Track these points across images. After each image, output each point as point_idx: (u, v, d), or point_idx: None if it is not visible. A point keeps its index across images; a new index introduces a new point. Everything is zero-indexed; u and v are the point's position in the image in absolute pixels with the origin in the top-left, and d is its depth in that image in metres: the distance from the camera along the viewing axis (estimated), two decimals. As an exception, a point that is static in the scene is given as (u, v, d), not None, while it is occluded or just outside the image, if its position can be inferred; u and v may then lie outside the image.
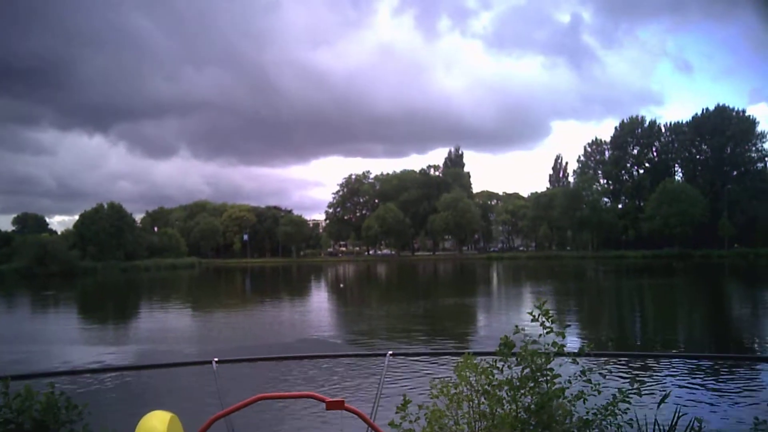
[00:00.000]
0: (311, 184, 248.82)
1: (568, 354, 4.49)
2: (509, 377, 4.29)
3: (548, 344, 4.34)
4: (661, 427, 4.53)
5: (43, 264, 75.64)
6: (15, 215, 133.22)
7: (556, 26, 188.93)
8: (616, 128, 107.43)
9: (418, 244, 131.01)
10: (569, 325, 4.12)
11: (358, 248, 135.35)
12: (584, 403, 4.27)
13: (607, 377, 4.47)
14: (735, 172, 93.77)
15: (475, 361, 4.37)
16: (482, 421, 4.26)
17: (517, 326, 4.46)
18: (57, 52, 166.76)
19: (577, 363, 4.48)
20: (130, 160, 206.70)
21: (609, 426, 4.21)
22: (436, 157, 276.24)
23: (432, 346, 17.22)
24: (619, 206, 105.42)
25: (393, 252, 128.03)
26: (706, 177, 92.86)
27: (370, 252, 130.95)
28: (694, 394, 10.86)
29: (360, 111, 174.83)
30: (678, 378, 12.30)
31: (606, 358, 13.66)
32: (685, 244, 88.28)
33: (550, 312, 4.43)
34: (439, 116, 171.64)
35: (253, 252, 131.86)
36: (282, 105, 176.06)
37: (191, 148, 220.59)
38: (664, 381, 12.02)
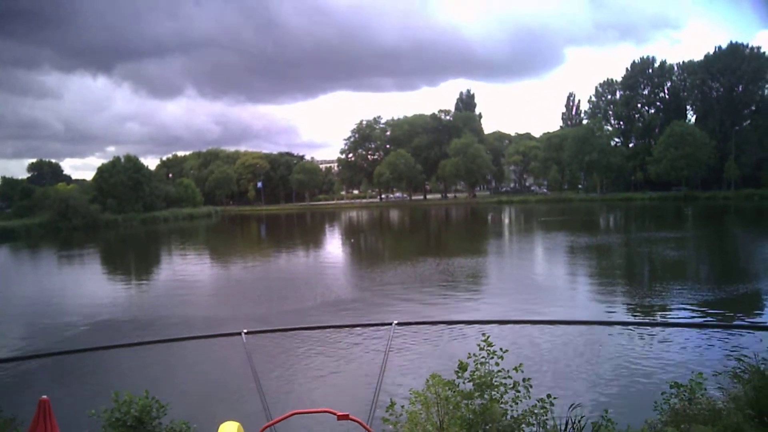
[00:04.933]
0: (320, 121, 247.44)
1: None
2: (464, 390, 6.19)
3: (492, 366, 6.27)
4: (573, 421, 6.39)
5: (65, 218, 78.50)
6: (29, 162, 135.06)
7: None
8: (627, 69, 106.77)
9: (430, 187, 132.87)
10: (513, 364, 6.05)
11: (370, 190, 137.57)
12: (516, 404, 6.21)
13: (531, 388, 6.33)
14: (746, 111, 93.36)
15: (441, 377, 6.24)
16: (445, 418, 6.18)
17: (470, 353, 6.36)
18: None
19: (511, 378, 6.37)
20: (136, 101, 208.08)
21: (534, 422, 6.16)
22: (448, 90, 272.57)
23: (438, 309, 19.17)
24: (630, 145, 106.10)
25: (405, 195, 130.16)
26: (717, 117, 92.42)
27: (383, 197, 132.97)
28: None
29: (366, 44, 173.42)
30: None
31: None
32: (693, 186, 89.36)
33: (492, 344, 6.33)
34: (449, 47, 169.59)
35: (267, 199, 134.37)
36: (287, 40, 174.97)
37: (197, 88, 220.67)
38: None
